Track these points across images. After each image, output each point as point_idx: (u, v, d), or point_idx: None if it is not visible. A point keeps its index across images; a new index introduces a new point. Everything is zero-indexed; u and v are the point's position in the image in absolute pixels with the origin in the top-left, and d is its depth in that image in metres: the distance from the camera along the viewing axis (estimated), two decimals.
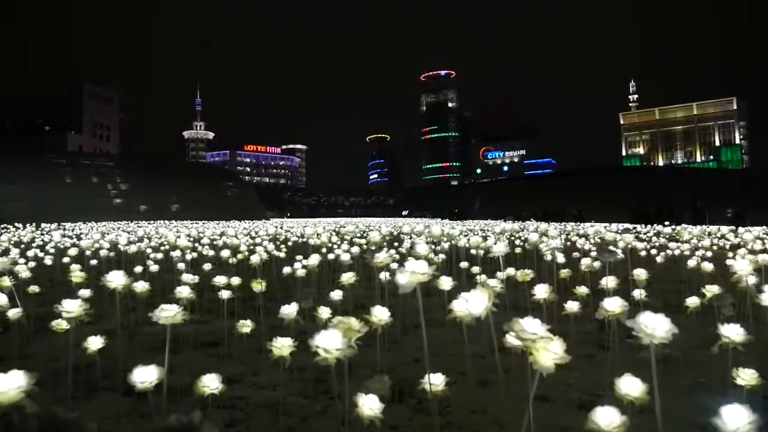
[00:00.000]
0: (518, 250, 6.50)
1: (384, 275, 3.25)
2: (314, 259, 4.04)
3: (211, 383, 1.69)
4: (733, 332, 1.69)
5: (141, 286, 2.80)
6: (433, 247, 6.42)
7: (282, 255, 6.63)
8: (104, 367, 2.56)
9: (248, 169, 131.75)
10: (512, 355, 2.04)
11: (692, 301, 2.81)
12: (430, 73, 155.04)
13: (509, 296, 3.15)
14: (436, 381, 1.59)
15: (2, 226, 17.37)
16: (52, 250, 6.92)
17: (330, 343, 1.26)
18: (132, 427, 2.21)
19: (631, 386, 1.26)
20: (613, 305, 1.78)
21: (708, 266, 3.98)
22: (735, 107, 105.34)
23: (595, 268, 4.00)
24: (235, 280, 3.47)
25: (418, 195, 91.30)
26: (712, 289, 2.61)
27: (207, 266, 4.89)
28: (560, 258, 4.74)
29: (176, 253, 5.55)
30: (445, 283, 2.44)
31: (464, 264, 4.61)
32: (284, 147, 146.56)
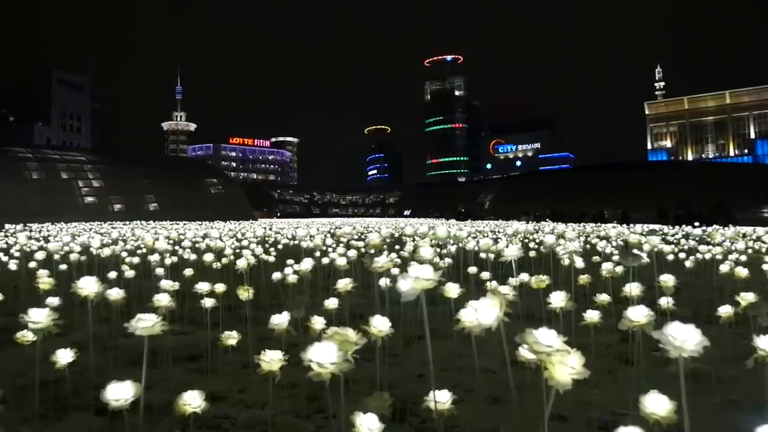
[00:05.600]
0: (532, 253, 6.50)
1: (384, 281, 3.25)
2: (307, 264, 4.04)
3: (192, 401, 1.69)
4: None
5: (115, 294, 2.80)
6: (438, 250, 6.43)
7: (271, 259, 6.63)
8: (75, 383, 2.57)
9: (234, 164, 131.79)
10: (526, 370, 2.04)
11: (725, 311, 2.81)
12: (435, 58, 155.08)
13: (523, 305, 3.15)
14: (441, 398, 1.59)
15: None
16: (17, 254, 6.92)
17: (324, 356, 1.26)
18: None
19: (657, 404, 1.26)
20: (638, 315, 1.78)
21: (742, 271, 3.98)
22: None
23: (617, 273, 4.00)
24: (220, 287, 3.47)
25: (422, 192, 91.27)
26: (747, 297, 2.61)
27: (188, 272, 4.89)
28: (579, 262, 4.74)
29: (154, 257, 5.55)
30: (452, 290, 2.44)
31: (473, 269, 4.61)
32: (273, 140, 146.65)
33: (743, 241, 8.82)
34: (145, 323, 1.62)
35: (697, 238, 11.04)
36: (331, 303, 2.97)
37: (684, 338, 1.11)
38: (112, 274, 4.64)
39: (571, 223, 27.31)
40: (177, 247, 7.75)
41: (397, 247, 8.38)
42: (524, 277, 3.72)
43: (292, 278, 4.12)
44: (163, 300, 2.76)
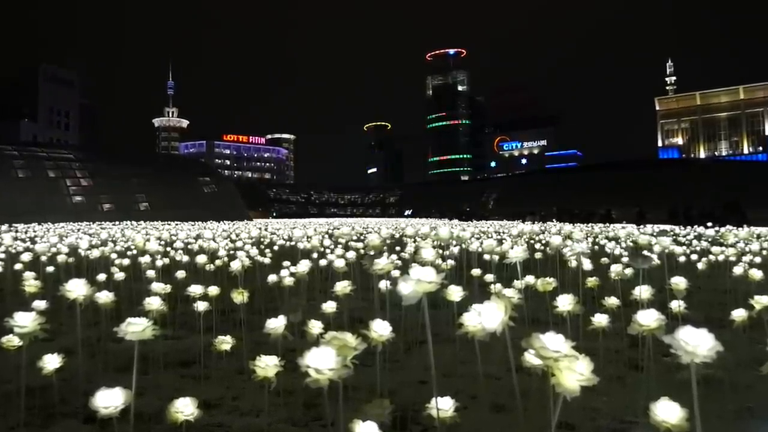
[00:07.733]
0: (538, 255, 6.50)
1: (384, 284, 3.25)
2: (304, 266, 4.04)
3: (185, 408, 1.69)
4: None
5: (105, 297, 2.81)
6: (440, 251, 6.43)
7: (267, 261, 6.63)
8: (62, 389, 2.57)
9: (228, 162, 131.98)
10: (531, 376, 2.05)
11: (739, 314, 2.81)
12: (437, 52, 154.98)
13: (528, 308, 3.15)
14: (444, 405, 1.59)
15: None
16: (2, 255, 6.92)
17: (322, 362, 1.26)
18: None
19: (668, 412, 1.26)
20: (648, 319, 1.78)
21: (757, 274, 3.98)
22: None
23: (626, 275, 4.00)
24: (213, 290, 3.47)
25: (423, 192, 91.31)
26: (761, 300, 2.61)
27: (180, 274, 4.89)
28: (587, 264, 4.75)
29: (145, 259, 5.55)
30: (455, 293, 2.44)
31: (476, 271, 4.61)
32: (269, 137, 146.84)
33: (758, 242, 8.81)
34: (136, 327, 1.62)
35: (709, 239, 11.04)
36: (329, 306, 2.97)
37: (696, 343, 1.11)
38: (102, 277, 4.63)
39: (578, 223, 27.32)
40: (169, 249, 7.75)
41: (397, 248, 8.38)
42: (530, 279, 3.72)
43: (289, 281, 4.11)
44: (154, 303, 2.76)
